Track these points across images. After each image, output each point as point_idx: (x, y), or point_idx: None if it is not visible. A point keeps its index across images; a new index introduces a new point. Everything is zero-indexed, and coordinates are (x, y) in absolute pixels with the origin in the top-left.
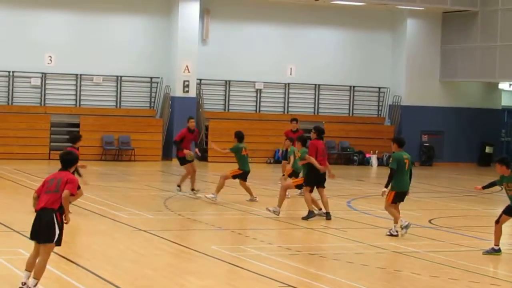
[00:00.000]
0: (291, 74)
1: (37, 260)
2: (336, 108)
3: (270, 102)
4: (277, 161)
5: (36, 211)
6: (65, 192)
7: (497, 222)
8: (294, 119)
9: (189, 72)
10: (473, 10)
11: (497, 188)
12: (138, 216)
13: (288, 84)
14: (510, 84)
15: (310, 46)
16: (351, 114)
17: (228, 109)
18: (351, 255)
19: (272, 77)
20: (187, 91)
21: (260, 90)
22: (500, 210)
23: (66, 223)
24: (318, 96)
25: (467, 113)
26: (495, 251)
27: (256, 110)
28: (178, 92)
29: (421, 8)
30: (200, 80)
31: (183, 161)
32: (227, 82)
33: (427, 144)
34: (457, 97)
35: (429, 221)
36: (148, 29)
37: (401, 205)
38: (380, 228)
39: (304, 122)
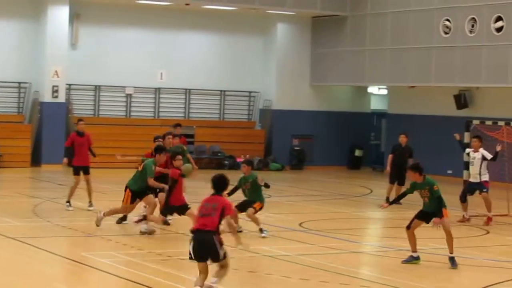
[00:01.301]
0: (161, 78)
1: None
2: (207, 113)
3: (141, 107)
4: None
5: (191, 231)
6: (228, 219)
7: (409, 227)
8: (178, 125)
9: (58, 77)
10: (342, 15)
11: (366, 190)
12: (6, 223)
13: (159, 88)
14: (379, 88)
15: (181, 50)
16: (222, 119)
17: (98, 114)
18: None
19: (142, 81)
20: (56, 96)
21: (131, 95)
22: (370, 212)
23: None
24: (189, 100)
25: (337, 117)
26: (414, 258)
27: (126, 115)
28: (47, 98)
29: (291, 13)
30: (70, 85)
31: (76, 170)
32: (97, 87)
33: (297, 148)
34: (327, 101)
35: (300, 224)
36: (16, 33)
37: (272, 209)
38: (254, 232)
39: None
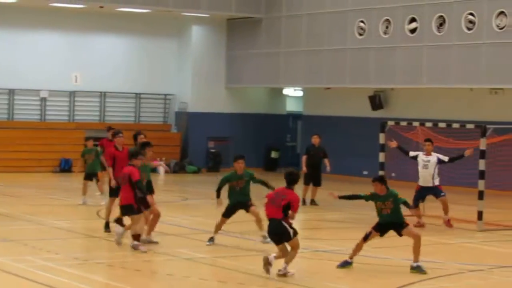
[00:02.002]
0: (76, 82)
1: (289, 253)
2: (123, 116)
3: (56, 110)
4: (64, 170)
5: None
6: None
7: (366, 239)
8: (110, 128)
9: None
10: (257, 17)
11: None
12: None
13: (74, 92)
14: (295, 90)
15: (96, 53)
16: (137, 122)
17: (13, 118)
18: (140, 263)
19: (57, 85)
20: None
21: (45, 98)
22: None
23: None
24: (104, 103)
25: (253, 119)
26: (348, 263)
27: (41, 119)
28: None
29: (205, 15)
30: None
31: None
32: (11, 90)
33: (213, 151)
34: (243, 103)
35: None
36: None
37: (190, 211)
38: (172, 235)
39: (90, 130)
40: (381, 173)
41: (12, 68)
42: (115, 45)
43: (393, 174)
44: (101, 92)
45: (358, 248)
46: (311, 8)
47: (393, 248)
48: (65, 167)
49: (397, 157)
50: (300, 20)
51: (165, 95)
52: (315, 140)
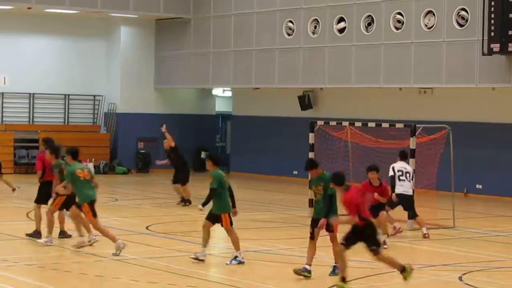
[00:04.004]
0: (5, 83)
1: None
2: (52, 117)
3: None
4: None
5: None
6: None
7: (312, 237)
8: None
9: None
10: (186, 17)
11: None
12: None
13: (2, 93)
14: (224, 90)
15: (25, 54)
16: (66, 123)
17: None
18: (70, 264)
19: None
20: None
21: None
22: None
23: None
24: (33, 105)
25: (182, 119)
26: (307, 271)
27: None
28: None
29: (134, 16)
30: None
31: None
32: None
33: (143, 151)
34: (172, 103)
35: (147, 227)
36: None
37: (119, 212)
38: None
39: (19, 132)
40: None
41: None
42: (44, 46)
43: (295, 172)
44: (30, 94)
45: (311, 250)
46: (239, 8)
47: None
48: None
49: (326, 157)
50: (229, 20)
51: (94, 96)
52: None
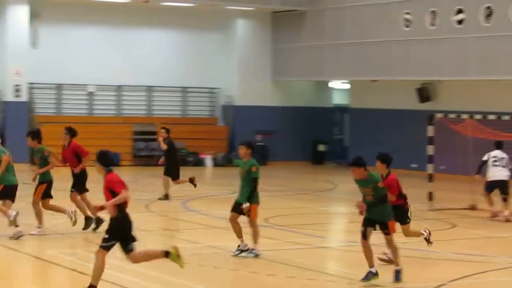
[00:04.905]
0: (123, 76)
1: None
2: (169, 110)
3: (103, 105)
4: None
5: None
6: None
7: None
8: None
9: (20, 76)
10: (301, 10)
11: (330, 185)
12: None
13: (121, 86)
14: (342, 82)
15: (142, 47)
16: (184, 116)
17: (61, 113)
18: (189, 256)
19: (104, 79)
20: (19, 96)
21: (92, 93)
22: (334, 207)
23: None
24: (151, 98)
25: (300, 112)
26: (374, 274)
27: (88, 113)
28: (9, 97)
29: (250, 9)
30: (32, 84)
31: None
32: (59, 85)
33: (260, 144)
34: (289, 96)
35: (265, 219)
36: None
37: (230, 203)
38: (216, 228)
39: (138, 124)
40: (430, 166)
41: (59, 63)
42: (161, 39)
43: (442, 167)
44: (148, 87)
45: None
46: (356, 0)
47: (440, 242)
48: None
49: (446, 150)
50: (345, 12)
51: (212, 89)
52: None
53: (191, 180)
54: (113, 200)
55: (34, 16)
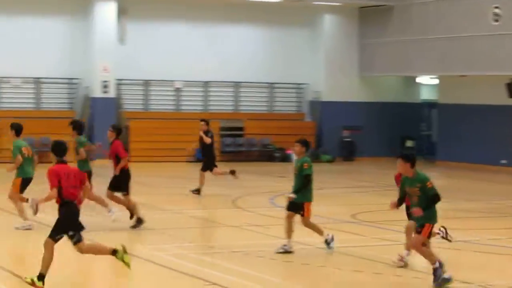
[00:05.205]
0: (210, 72)
1: None
2: (256, 105)
3: (190, 100)
4: (199, 160)
5: None
6: None
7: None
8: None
9: (107, 72)
10: (389, 5)
11: None
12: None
13: (207, 82)
14: (431, 78)
15: (229, 43)
16: (271, 111)
17: (148, 109)
18: (275, 252)
19: (191, 75)
20: (107, 92)
21: (180, 89)
22: None
23: None
24: (238, 93)
25: (387, 108)
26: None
27: (175, 109)
28: (98, 93)
29: (338, 4)
30: (119, 80)
31: None
32: (146, 81)
33: (348, 139)
34: (376, 91)
35: (352, 215)
36: (66, 29)
37: (324, 200)
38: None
39: (225, 120)
40: (503, 162)
41: (146, 59)
42: (248, 35)
43: (503, 161)
44: (234, 82)
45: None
46: None
47: None
48: (199, 157)
49: None
50: (432, 6)
51: (299, 84)
52: (202, 127)
53: (232, 172)
54: (43, 199)
55: (122, 12)
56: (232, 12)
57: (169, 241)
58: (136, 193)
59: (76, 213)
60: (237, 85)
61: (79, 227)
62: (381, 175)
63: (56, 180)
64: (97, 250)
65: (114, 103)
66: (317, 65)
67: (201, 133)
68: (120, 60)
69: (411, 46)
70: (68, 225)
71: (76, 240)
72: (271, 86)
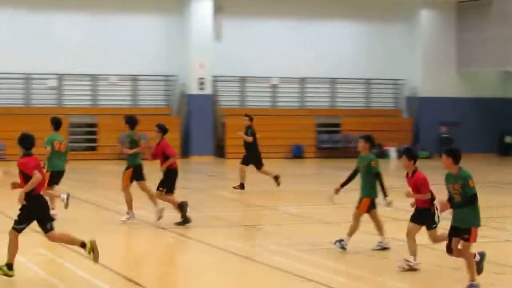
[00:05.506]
0: (306, 68)
1: None
2: (352, 102)
3: (286, 97)
4: (296, 156)
5: None
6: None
7: (451, 251)
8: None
9: (203, 69)
10: None
11: None
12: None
13: (304, 78)
14: None
15: (324, 39)
16: (367, 107)
17: (244, 105)
18: (371, 249)
19: (287, 72)
20: (203, 89)
21: (276, 85)
22: None
23: None
24: (334, 89)
25: (485, 103)
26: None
27: (272, 106)
28: (194, 90)
29: None
30: (215, 77)
31: None
32: (242, 78)
33: (445, 135)
34: (474, 87)
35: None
36: (162, 27)
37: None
38: (402, 221)
39: (320, 116)
40: None
41: (242, 56)
42: (343, 30)
43: None
44: (331, 79)
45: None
46: None
47: None
48: (296, 153)
49: None
50: None
51: (395, 80)
52: (245, 123)
53: (276, 178)
54: (24, 189)
55: (218, 9)
56: (328, 8)
57: (265, 237)
58: (232, 190)
59: (44, 205)
60: (333, 81)
61: (49, 218)
62: (480, 171)
63: (33, 170)
64: (67, 240)
65: (210, 100)
66: (414, 60)
67: (240, 133)
68: (216, 57)
69: (510, 40)
70: (35, 216)
71: (47, 230)
72: (367, 82)
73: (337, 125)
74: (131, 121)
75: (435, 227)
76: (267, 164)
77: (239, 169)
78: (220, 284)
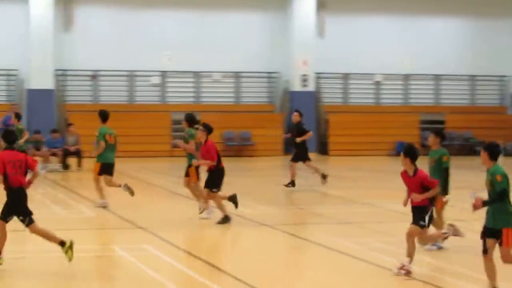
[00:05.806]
0: (410, 65)
1: None
2: (457, 98)
3: (390, 94)
4: (399, 154)
5: None
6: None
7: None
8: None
9: (307, 66)
10: None
11: None
12: (259, 210)
13: (408, 75)
14: None
15: (428, 35)
16: (472, 104)
17: (347, 102)
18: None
19: (390, 68)
20: (306, 85)
21: (379, 82)
22: None
23: None
24: (439, 86)
25: None
26: None
27: (375, 103)
28: (297, 87)
29: None
30: (318, 74)
31: None
32: (346, 75)
33: None
34: None
35: None
36: (265, 24)
37: None
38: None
39: (424, 113)
40: None
41: (345, 53)
42: (447, 26)
43: None
44: (435, 75)
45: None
46: None
47: None
48: (400, 151)
49: None
50: None
51: (501, 76)
52: (295, 118)
53: (324, 176)
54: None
55: (321, 6)
56: (432, 4)
57: (369, 235)
58: (336, 187)
59: (22, 199)
60: (437, 77)
61: (27, 212)
62: None
63: (2, 168)
64: (47, 236)
65: (314, 97)
66: None
67: (298, 139)
68: (319, 53)
69: None
70: (15, 209)
71: (27, 223)
72: (472, 78)
73: (441, 122)
74: (191, 118)
75: (424, 226)
76: (371, 161)
77: (289, 166)
78: (331, 283)
